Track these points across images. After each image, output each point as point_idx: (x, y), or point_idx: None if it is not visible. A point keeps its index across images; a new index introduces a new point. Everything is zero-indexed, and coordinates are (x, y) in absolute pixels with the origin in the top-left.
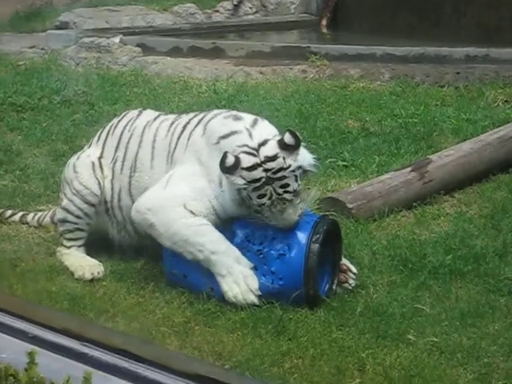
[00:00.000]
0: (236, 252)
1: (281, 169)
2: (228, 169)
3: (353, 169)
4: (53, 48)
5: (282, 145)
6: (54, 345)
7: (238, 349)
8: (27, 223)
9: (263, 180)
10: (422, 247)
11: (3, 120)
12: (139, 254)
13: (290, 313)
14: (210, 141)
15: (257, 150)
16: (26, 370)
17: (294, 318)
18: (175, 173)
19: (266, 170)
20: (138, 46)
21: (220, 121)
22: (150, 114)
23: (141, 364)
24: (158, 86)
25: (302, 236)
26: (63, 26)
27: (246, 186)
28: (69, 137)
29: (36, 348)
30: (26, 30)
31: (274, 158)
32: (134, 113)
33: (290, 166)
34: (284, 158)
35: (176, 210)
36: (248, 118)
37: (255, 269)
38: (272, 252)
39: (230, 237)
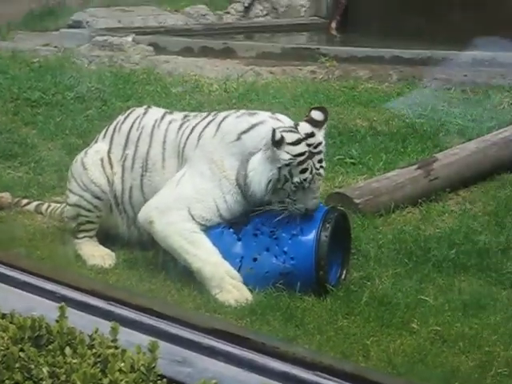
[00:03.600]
0: (227, 265)
1: (318, 144)
2: (277, 143)
3: (360, 166)
4: (66, 46)
5: (313, 122)
6: (81, 303)
7: None
8: (41, 213)
9: (306, 154)
10: (427, 242)
11: (18, 114)
12: (148, 247)
13: (297, 301)
14: (225, 139)
15: (295, 128)
16: (57, 321)
17: (301, 306)
18: (186, 173)
19: (308, 145)
20: (150, 45)
21: (235, 119)
22: (156, 112)
23: (162, 320)
24: (169, 84)
25: (314, 220)
26: (76, 24)
27: (291, 161)
28: (82, 131)
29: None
30: (40, 29)
31: (312, 134)
32: (139, 111)
33: (321, 141)
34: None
35: (179, 213)
36: (263, 112)
37: (267, 250)
38: (284, 234)
39: (244, 221)
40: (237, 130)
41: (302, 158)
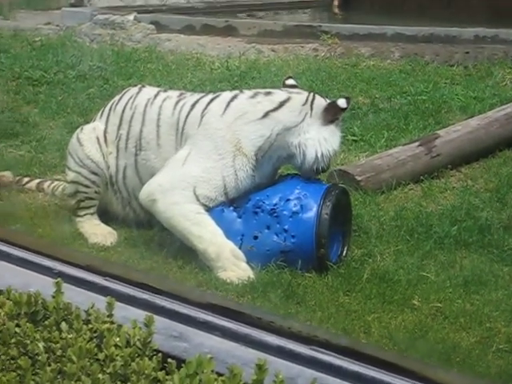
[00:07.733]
0: (231, 245)
1: None
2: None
3: (362, 143)
4: (68, 25)
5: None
6: (77, 279)
7: None
8: (43, 190)
9: None
10: (429, 218)
11: (19, 93)
12: (143, 226)
13: (298, 278)
14: (246, 118)
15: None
16: (53, 296)
17: (302, 283)
18: (191, 152)
19: None
20: (151, 23)
21: (250, 99)
22: (149, 91)
23: (158, 296)
24: (171, 62)
25: (315, 198)
26: (78, 3)
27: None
28: (83, 110)
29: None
30: (42, 8)
31: None
32: (134, 90)
33: None
34: None
35: (183, 193)
36: (276, 90)
37: (268, 228)
38: (285, 211)
39: (245, 200)
40: (260, 108)
41: None
